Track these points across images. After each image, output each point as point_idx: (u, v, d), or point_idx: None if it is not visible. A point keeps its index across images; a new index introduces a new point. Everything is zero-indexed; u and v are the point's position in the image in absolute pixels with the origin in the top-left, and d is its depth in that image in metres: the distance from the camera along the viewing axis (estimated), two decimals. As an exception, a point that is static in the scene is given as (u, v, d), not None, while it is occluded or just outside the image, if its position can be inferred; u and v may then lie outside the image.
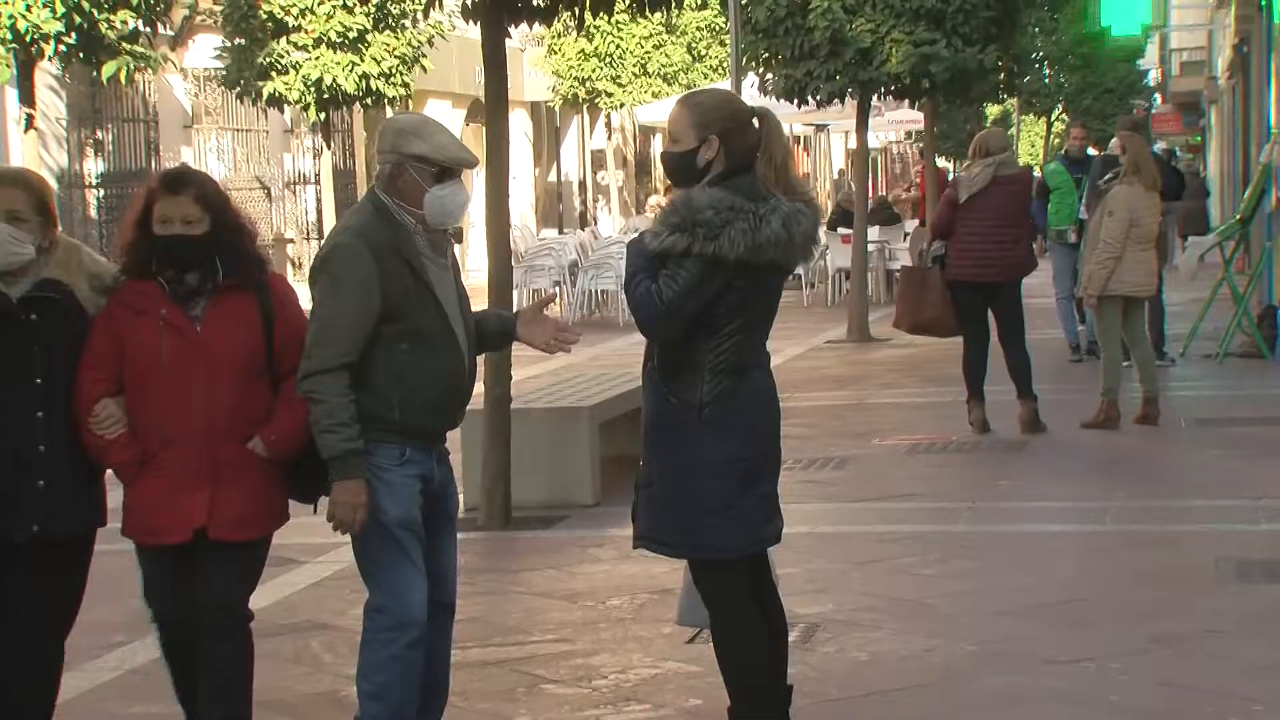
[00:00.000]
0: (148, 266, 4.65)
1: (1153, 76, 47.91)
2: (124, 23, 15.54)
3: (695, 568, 4.69)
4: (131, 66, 15.86)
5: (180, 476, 4.58)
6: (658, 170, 39.53)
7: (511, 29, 8.76)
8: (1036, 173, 16.81)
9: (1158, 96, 48.83)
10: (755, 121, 4.60)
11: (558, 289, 20.96)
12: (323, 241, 4.95)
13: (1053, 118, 36.78)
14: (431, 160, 4.59)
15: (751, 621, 4.64)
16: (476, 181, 26.54)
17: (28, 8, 14.71)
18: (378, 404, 4.54)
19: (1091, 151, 17.62)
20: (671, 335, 4.53)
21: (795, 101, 16.72)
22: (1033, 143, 44.01)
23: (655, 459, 4.61)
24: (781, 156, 4.56)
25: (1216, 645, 5.95)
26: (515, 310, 5.02)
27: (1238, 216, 15.48)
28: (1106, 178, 11.43)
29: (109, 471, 4.71)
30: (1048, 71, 33.86)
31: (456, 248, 5.01)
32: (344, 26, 19.89)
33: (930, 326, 10.99)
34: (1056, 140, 37.85)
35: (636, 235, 4.66)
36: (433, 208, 4.61)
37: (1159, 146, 30.00)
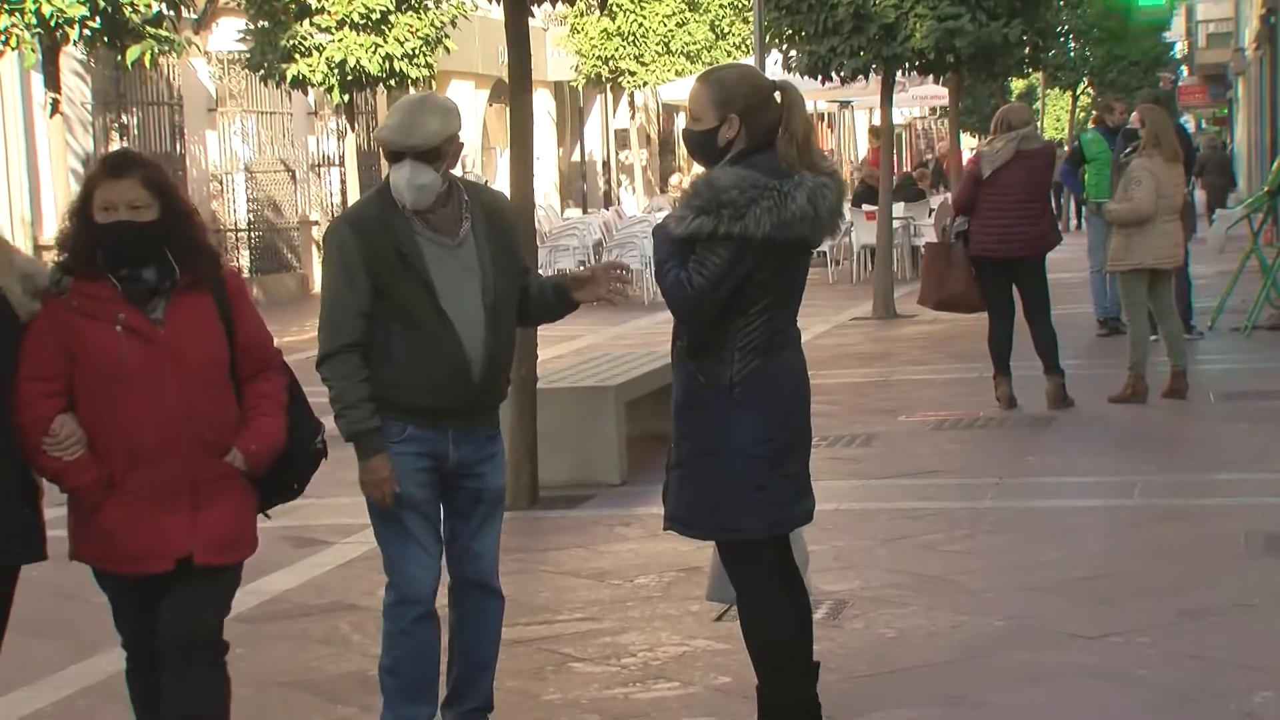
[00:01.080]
0: (93, 262, 4.16)
1: (1179, 49, 47.62)
2: (148, 6, 15.58)
3: (723, 548, 4.69)
4: (156, 50, 15.90)
5: (157, 497, 4.15)
6: (681, 149, 39.47)
7: (534, 8, 8.75)
8: (1065, 146, 16.71)
9: (1184, 69, 48.53)
10: (777, 96, 4.58)
11: (581, 268, 20.97)
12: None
13: (1078, 91, 36.56)
14: (383, 144, 4.63)
15: (779, 601, 4.64)
16: (501, 162, 26.46)
17: (52, -7, 14.76)
18: (376, 381, 4.60)
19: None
20: (707, 319, 4.51)
21: (819, 78, 16.69)
22: (1058, 117, 43.79)
23: (685, 439, 4.60)
24: (804, 132, 4.53)
25: (1246, 619, 5.93)
26: (561, 277, 4.99)
27: (1265, 188, 15.40)
28: (1126, 152, 11.39)
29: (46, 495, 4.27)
30: (1073, 45, 33.64)
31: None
32: (367, 8, 19.88)
33: (954, 302, 10.94)
34: (1082, 114, 37.63)
35: (661, 221, 4.65)
36: (394, 187, 4.64)
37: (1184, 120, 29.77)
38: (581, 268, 20.24)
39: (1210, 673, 5.36)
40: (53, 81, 15.93)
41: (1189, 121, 45.74)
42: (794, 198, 4.41)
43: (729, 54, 31.41)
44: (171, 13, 16.20)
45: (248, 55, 20.70)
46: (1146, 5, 26.47)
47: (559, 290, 4.93)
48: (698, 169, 4.72)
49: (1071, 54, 33.95)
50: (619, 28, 30.42)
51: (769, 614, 4.63)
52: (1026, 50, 18.81)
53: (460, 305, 4.64)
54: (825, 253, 21.30)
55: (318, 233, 24.95)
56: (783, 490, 4.58)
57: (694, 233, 4.43)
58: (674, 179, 31.62)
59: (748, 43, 28.47)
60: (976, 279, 10.61)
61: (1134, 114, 11.94)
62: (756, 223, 4.38)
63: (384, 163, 4.85)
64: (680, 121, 39.33)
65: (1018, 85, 36.46)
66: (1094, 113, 17.35)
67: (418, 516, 4.66)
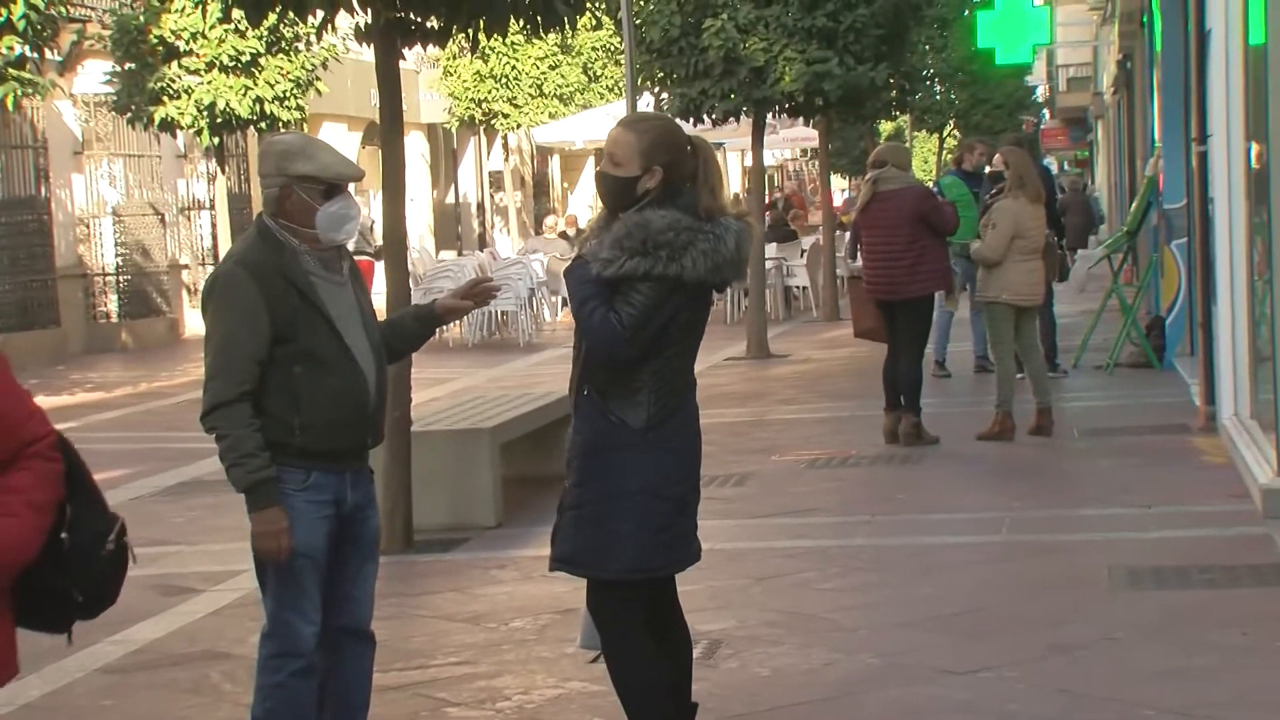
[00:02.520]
0: None
1: (1041, 92, 48.70)
2: (10, 49, 15.32)
3: (601, 590, 4.67)
4: (19, 93, 15.63)
5: None
6: (555, 190, 39.55)
7: (405, 51, 8.75)
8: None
9: (1046, 112, 49.62)
10: (690, 149, 4.65)
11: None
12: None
13: (945, 134, 37.25)
14: (318, 179, 4.59)
15: (646, 643, 4.68)
16: (374, 203, 26.28)
17: (-89, 34, 14.48)
18: (277, 428, 4.52)
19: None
20: (633, 358, 4.52)
21: (691, 120, 16.83)
22: (925, 159, 44.54)
23: (592, 480, 4.60)
24: (717, 184, 4.64)
25: (1110, 652, 6.04)
26: (430, 304, 5.00)
27: (1124, 229, 15.78)
28: (992, 193, 11.65)
29: None
30: (938, 88, 34.33)
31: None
32: (236, 50, 19.74)
33: (871, 334, 11.41)
34: (949, 156, 38.32)
35: (574, 262, 4.64)
36: (324, 225, 4.61)
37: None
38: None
39: (1077, 705, 5.46)
40: (-88, 124, 15.61)
41: (1051, 163, 46.72)
42: (725, 241, 4.51)
43: (602, 97, 31.56)
44: (35, 55, 15.94)
45: (114, 98, 20.44)
46: (1008, 60, 27.00)
47: (420, 316, 4.95)
48: (574, 212, 4.76)
49: (938, 97, 34.59)
50: (491, 70, 30.46)
51: (636, 655, 4.66)
52: (893, 93, 19.13)
53: (356, 341, 4.64)
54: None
55: (188, 276, 24.63)
56: (684, 530, 4.69)
57: (627, 274, 4.46)
58: (549, 220, 31.64)
59: (620, 85, 28.64)
60: None
61: (997, 156, 12.20)
62: (693, 264, 4.46)
63: (256, 205, 4.81)
64: (555, 164, 39.41)
65: (886, 128, 37.03)
66: (951, 155, 17.65)
67: (312, 568, 4.60)
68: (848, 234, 17.27)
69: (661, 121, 4.77)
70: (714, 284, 4.56)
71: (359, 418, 4.63)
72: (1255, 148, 8.97)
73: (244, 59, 19.83)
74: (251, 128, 20.60)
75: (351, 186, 4.79)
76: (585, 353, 4.60)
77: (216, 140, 20.60)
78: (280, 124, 20.28)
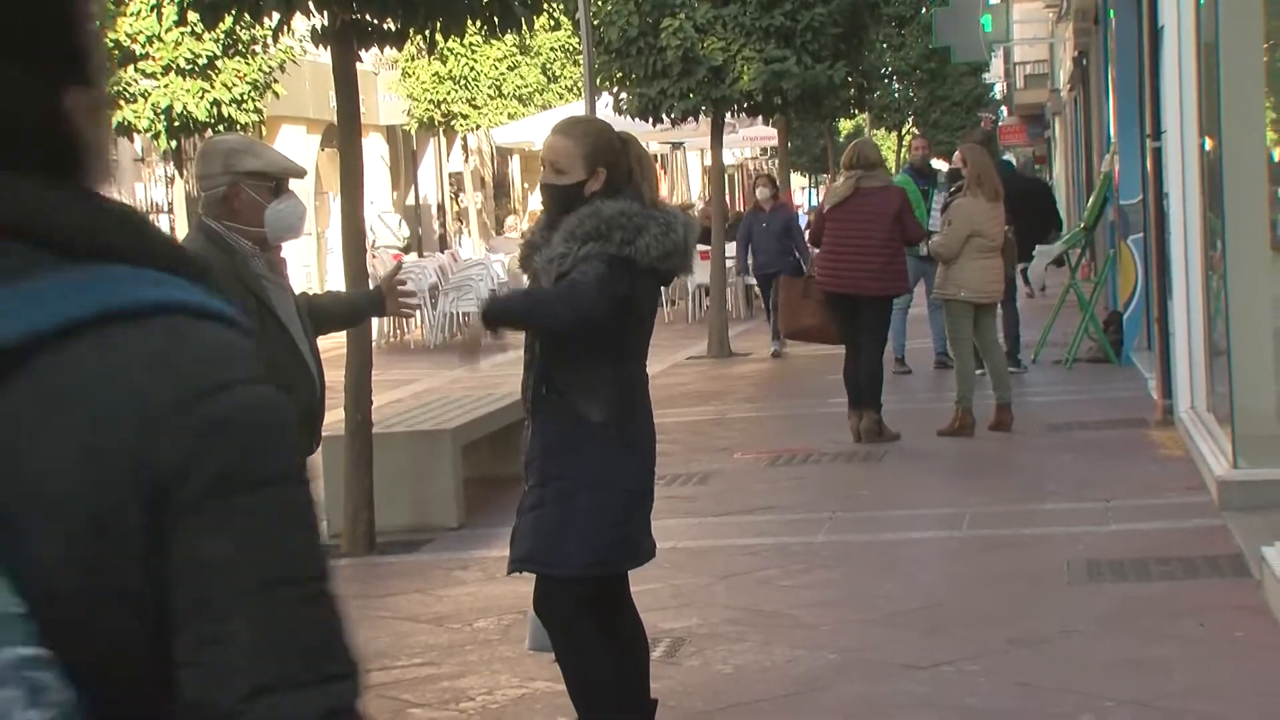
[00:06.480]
0: None
1: (999, 89, 48.94)
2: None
3: (553, 587, 4.69)
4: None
5: None
6: (516, 191, 39.52)
7: (363, 53, 8.74)
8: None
9: (1004, 109, 49.85)
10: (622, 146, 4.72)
11: (418, 310, 20.93)
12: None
13: (904, 132, 37.41)
14: (266, 174, 4.59)
15: (600, 641, 4.70)
16: (333, 206, 26.07)
17: None
18: None
19: (940, 164, 17.97)
20: (604, 316, 4.49)
21: (650, 120, 16.89)
22: (884, 157, 44.81)
23: (557, 478, 4.60)
24: (652, 178, 4.72)
25: (1070, 645, 6.09)
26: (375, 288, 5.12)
27: (1082, 224, 15.89)
28: (951, 190, 11.73)
29: None
30: (897, 86, 34.47)
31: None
32: (193, 53, 19.66)
33: (809, 333, 11.35)
34: (908, 153, 38.50)
35: (522, 290, 4.73)
36: (273, 223, 4.61)
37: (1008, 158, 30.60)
38: (416, 308, 20.47)
39: (1037, 698, 5.50)
40: None
41: (1012, 159, 46.94)
42: (675, 229, 4.56)
43: (561, 97, 31.55)
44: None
45: (70, 101, 20.31)
46: (963, 59, 27.10)
47: (372, 301, 5.08)
48: (535, 208, 4.80)
49: (896, 95, 34.73)
50: (450, 71, 30.41)
51: (588, 652, 4.68)
52: (852, 91, 19.20)
53: (302, 343, 4.65)
54: (662, 292, 21.46)
55: (146, 280, 24.46)
56: (641, 526, 4.72)
57: (583, 258, 4.49)
58: (509, 221, 31.60)
59: (579, 86, 28.64)
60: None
61: (956, 154, 12.28)
62: (646, 248, 4.50)
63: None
64: (515, 164, 39.36)
65: (845, 126, 37.17)
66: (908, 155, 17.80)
67: None
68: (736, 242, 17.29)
69: (596, 123, 4.87)
70: (662, 273, 4.59)
71: (307, 423, 4.64)
72: (1209, 143, 9.05)
73: (200, 62, 19.75)
74: (209, 131, 20.50)
75: (303, 187, 4.81)
76: (546, 337, 4.60)
77: (174, 144, 20.52)
78: (238, 127, 20.20)
